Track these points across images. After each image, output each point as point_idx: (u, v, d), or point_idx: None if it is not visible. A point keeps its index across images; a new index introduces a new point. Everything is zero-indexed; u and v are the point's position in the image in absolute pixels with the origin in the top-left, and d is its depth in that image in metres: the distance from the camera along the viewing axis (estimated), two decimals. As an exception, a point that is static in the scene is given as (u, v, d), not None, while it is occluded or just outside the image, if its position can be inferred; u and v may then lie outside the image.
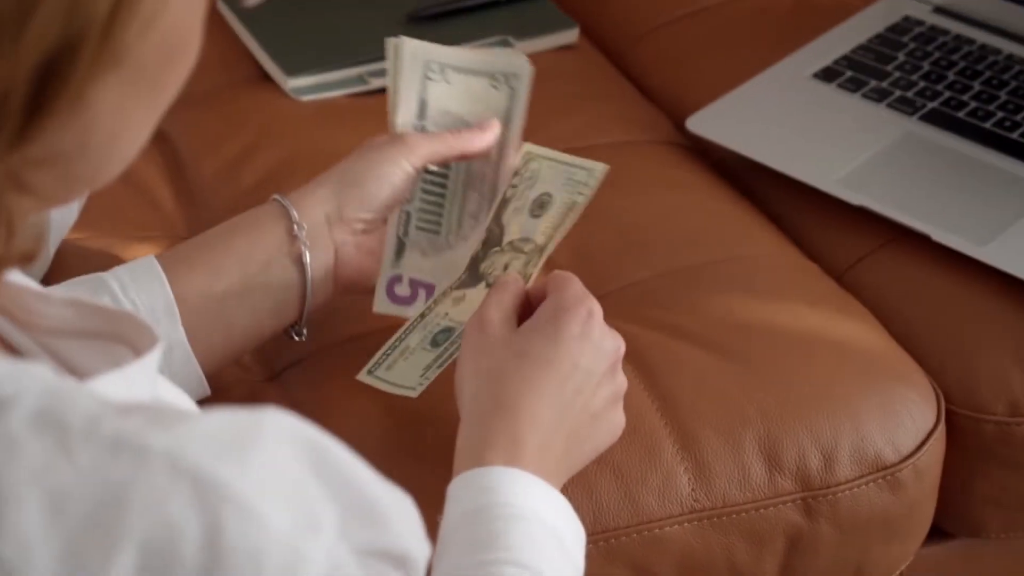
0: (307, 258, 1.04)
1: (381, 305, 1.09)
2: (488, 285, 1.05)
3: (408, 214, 1.09)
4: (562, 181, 1.04)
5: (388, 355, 1.05)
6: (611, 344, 0.98)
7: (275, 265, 1.04)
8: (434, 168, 1.09)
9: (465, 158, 1.08)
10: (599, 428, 0.98)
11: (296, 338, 1.08)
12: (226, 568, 0.62)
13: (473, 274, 1.06)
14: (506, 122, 1.09)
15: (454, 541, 0.90)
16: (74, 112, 0.63)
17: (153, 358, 0.73)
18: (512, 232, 1.04)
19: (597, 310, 0.99)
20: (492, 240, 1.05)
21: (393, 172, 1.05)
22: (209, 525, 0.62)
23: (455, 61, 1.08)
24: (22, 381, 0.64)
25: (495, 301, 0.99)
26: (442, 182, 1.10)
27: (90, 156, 0.66)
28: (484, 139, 1.08)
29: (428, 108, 1.08)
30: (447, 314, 1.05)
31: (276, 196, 1.06)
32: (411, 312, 1.08)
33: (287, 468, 0.65)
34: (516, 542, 0.88)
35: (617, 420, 1.00)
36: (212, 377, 1.04)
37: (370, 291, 1.09)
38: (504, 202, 1.04)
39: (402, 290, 1.09)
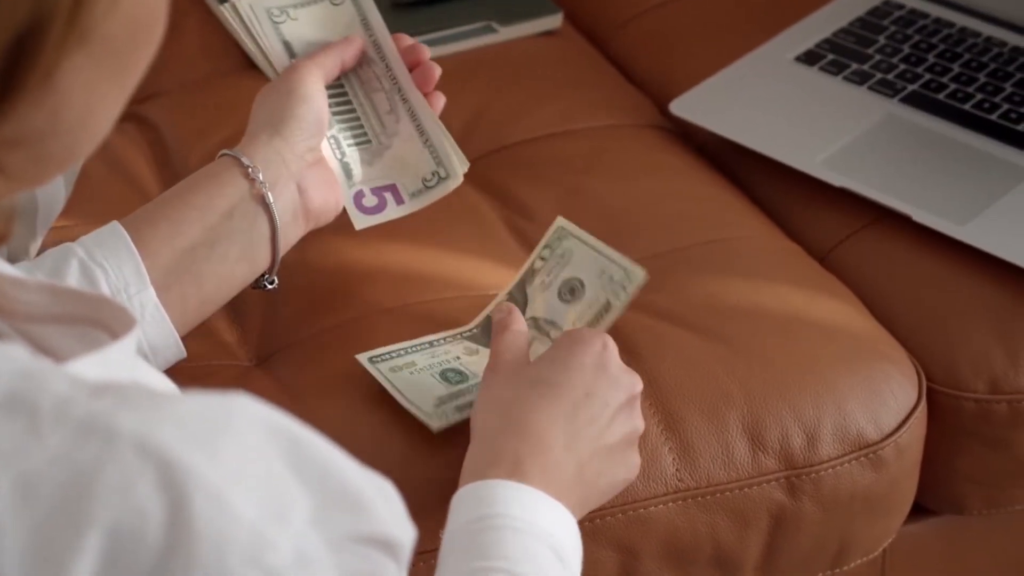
0: (270, 198, 1.05)
1: (359, 221, 1.12)
2: None
3: (335, 138, 1.12)
4: (596, 272, 1.05)
5: (393, 356, 1.06)
6: (627, 379, 0.99)
7: (239, 211, 1.05)
8: (331, 89, 1.12)
9: (348, 66, 1.13)
10: (614, 462, 0.98)
11: (268, 287, 1.09)
12: (190, 554, 0.62)
13: (486, 331, 1.07)
14: (366, 24, 1.15)
15: (453, 551, 0.90)
16: (44, 91, 0.63)
17: (130, 340, 0.73)
18: (536, 308, 1.06)
19: (612, 345, 1.00)
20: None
21: (311, 92, 1.08)
22: (175, 510, 0.62)
23: (289, 0, 1.14)
24: None
25: (503, 342, 1.00)
26: (344, 98, 1.14)
27: (61, 136, 0.66)
28: (355, 42, 1.14)
29: (292, 46, 1.13)
30: (458, 358, 1.06)
31: (224, 151, 1.07)
32: (388, 217, 1.12)
33: (257, 456, 0.65)
34: (512, 552, 0.88)
35: (633, 460, 1.00)
36: (189, 338, 1.05)
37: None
38: (532, 272, 1.06)
39: (369, 201, 1.12)
